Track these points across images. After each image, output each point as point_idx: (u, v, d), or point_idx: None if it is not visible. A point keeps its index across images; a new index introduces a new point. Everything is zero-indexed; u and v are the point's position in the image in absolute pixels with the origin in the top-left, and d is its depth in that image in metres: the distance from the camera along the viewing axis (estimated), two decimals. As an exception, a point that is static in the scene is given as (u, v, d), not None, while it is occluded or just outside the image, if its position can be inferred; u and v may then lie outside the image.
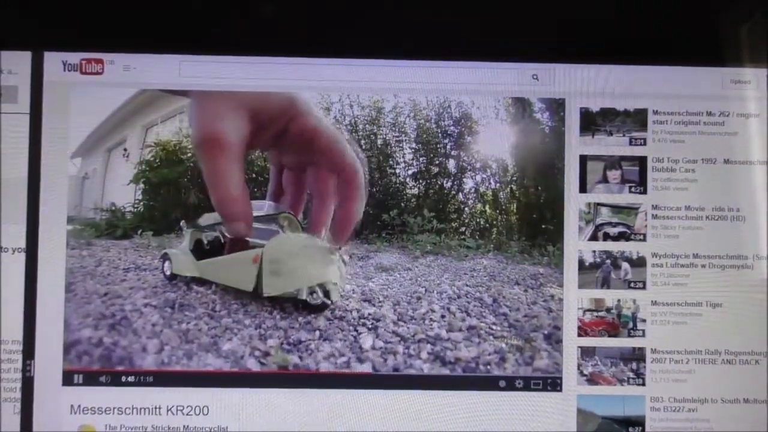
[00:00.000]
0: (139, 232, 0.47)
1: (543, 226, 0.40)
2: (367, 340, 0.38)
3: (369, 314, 0.42)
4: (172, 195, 0.46)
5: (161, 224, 0.47)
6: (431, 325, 0.40)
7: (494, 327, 0.39)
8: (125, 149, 0.42)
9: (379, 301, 0.44)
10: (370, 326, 0.40)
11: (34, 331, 0.36)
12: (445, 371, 0.37)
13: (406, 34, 0.38)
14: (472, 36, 0.38)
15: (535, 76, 0.38)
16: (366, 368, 0.37)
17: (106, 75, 0.37)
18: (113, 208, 0.43)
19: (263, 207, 0.43)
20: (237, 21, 0.38)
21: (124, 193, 0.43)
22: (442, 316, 0.40)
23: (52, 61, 0.37)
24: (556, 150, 0.39)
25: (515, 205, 0.43)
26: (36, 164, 0.37)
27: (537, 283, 0.40)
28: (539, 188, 0.40)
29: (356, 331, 0.40)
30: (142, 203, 0.45)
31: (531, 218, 0.42)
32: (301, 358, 0.37)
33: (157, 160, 0.44)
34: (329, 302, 0.42)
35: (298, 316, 0.41)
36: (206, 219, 0.46)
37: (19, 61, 0.37)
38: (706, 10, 0.38)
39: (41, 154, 0.37)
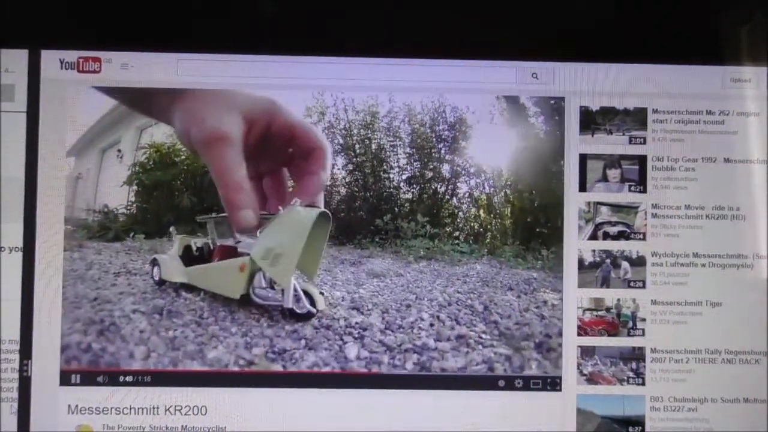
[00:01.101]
0: (131, 234, 0.46)
1: (537, 230, 0.39)
2: (352, 350, 0.38)
3: (356, 323, 0.41)
4: (165, 198, 0.46)
5: (153, 227, 0.47)
6: (419, 334, 0.39)
7: (484, 336, 0.39)
8: (119, 150, 0.42)
9: (368, 309, 0.43)
10: (356, 335, 0.40)
11: (31, 330, 0.36)
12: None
13: (405, 33, 0.38)
14: (471, 34, 0.38)
15: (534, 75, 0.38)
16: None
17: (104, 73, 0.37)
18: (106, 209, 0.42)
19: None
20: (235, 19, 0.38)
21: (117, 195, 0.43)
22: (431, 325, 0.40)
23: (49, 59, 0.37)
24: (552, 153, 0.39)
25: (510, 209, 0.43)
26: (33, 163, 0.37)
27: (530, 288, 0.40)
28: (533, 192, 0.40)
29: (342, 340, 0.39)
30: (135, 205, 0.45)
31: (525, 222, 0.42)
32: (284, 367, 0.37)
33: (151, 162, 0.44)
34: (315, 311, 0.42)
35: (285, 324, 0.41)
36: (203, 216, 0.46)
37: (16, 59, 0.37)
38: (706, 8, 0.38)
39: (38, 152, 0.37)
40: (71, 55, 0.37)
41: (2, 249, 0.36)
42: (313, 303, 0.42)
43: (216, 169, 0.35)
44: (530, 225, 0.41)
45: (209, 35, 0.37)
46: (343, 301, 0.45)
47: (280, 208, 0.38)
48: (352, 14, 0.38)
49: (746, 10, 0.39)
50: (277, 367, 0.37)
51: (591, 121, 0.38)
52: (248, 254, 0.44)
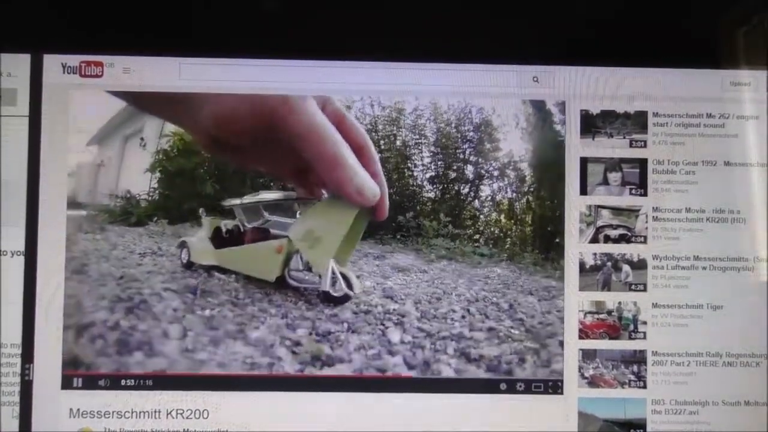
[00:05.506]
0: (154, 219, 0.47)
1: (557, 241, 0.39)
2: (394, 334, 0.39)
3: (393, 309, 0.42)
4: (188, 185, 0.46)
5: (175, 213, 0.47)
6: (453, 324, 0.40)
7: (512, 330, 0.39)
8: (142, 138, 0.42)
9: (401, 299, 0.44)
10: (395, 321, 0.40)
11: (33, 334, 0.36)
12: (472, 368, 0.37)
13: (405, 36, 0.38)
14: (472, 38, 0.38)
15: (535, 79, 0.38)
16: (397, 361, 0.37)
17: (106, 78, 0.37)
18: (128, 195, 0.43)
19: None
20: (238, 22, 0.38)
21: (139, 182, 0.43)
22: (463, 317, 0.41)
23: (52, 63, 0.37)
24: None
25: (530, 217, 0.43)
26: (35, 167, 0.37)
27: (550, 294, 0.40)
28: (555, 201, 0.40)
29: (383, 325, 0.40)
30: (157, 192, 0.45)
31: (545, 231, 0.42)
32: (332, 348, 0.37)
33: (175, 150, 0.44)
34: (352, 294, 0.42)
35: (323, 308, 0.41)
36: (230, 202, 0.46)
37: (19, 63, 0.37)
38: (706, 12, 0.38)
39: (40, 157, 0.37)
40: (73, 60, 0.37)
41: (4, 253, 0.36)
42: (349, 286, 0.42)
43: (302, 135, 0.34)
44: (549, 234, 0.41)
45: (213, 39, 0.38)
46: (374, 290, 0.45)
47: (324, 192, 0.37)
48: (354, 16, 0.38)
49: (745, 12, 0.39)
50: (326, 349, 0.37)
51: (591, 125, 0.39)
52: (282, 235, 0.44)
